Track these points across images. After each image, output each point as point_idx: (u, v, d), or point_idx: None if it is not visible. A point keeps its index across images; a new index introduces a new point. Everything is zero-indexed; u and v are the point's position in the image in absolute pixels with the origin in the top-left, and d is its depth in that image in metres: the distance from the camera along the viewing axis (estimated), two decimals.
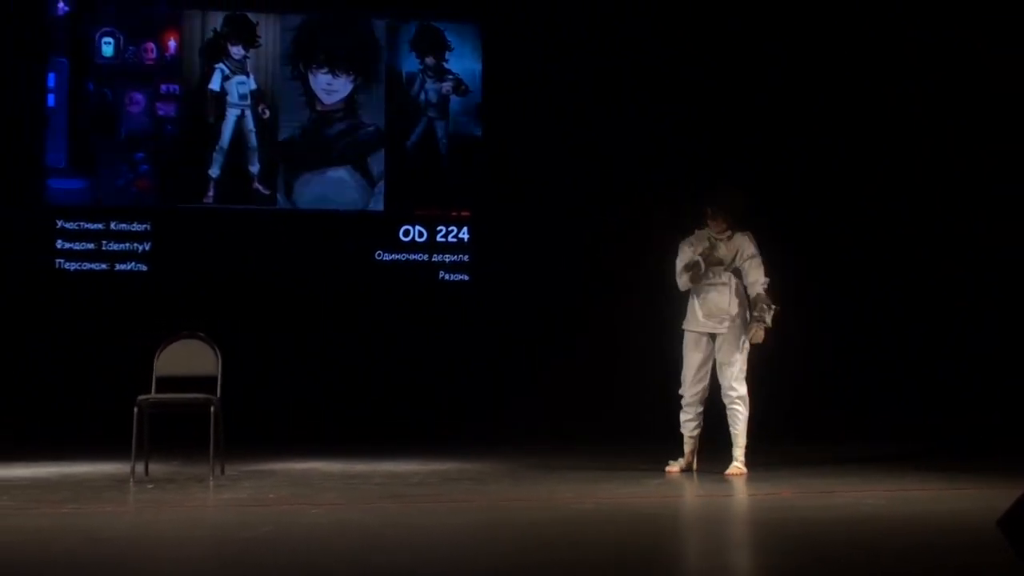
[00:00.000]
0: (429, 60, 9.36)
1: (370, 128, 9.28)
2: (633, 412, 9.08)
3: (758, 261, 6.23)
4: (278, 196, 9.11)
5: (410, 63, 9.35)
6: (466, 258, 9.27)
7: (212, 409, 6.00)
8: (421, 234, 9.21)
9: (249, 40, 9.09)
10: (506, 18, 9.40)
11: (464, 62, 9.40)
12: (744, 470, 6.12)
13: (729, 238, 6.28)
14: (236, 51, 9.06)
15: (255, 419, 8.06)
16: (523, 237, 9.29)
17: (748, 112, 9.42)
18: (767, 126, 9.42)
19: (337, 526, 4.60)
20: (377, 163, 9.26)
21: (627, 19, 9.46)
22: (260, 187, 9.08)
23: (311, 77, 9.19)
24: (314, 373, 8.85)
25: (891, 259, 9.28)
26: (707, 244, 6.29)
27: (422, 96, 9.36)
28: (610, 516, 4.81)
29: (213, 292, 8.83)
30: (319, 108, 9.21)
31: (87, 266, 8.75)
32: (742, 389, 6.19)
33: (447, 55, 9.38)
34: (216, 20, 9.05)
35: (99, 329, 8.60)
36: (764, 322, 6.13)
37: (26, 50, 8.71)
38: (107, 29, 8.88)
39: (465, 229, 9.29)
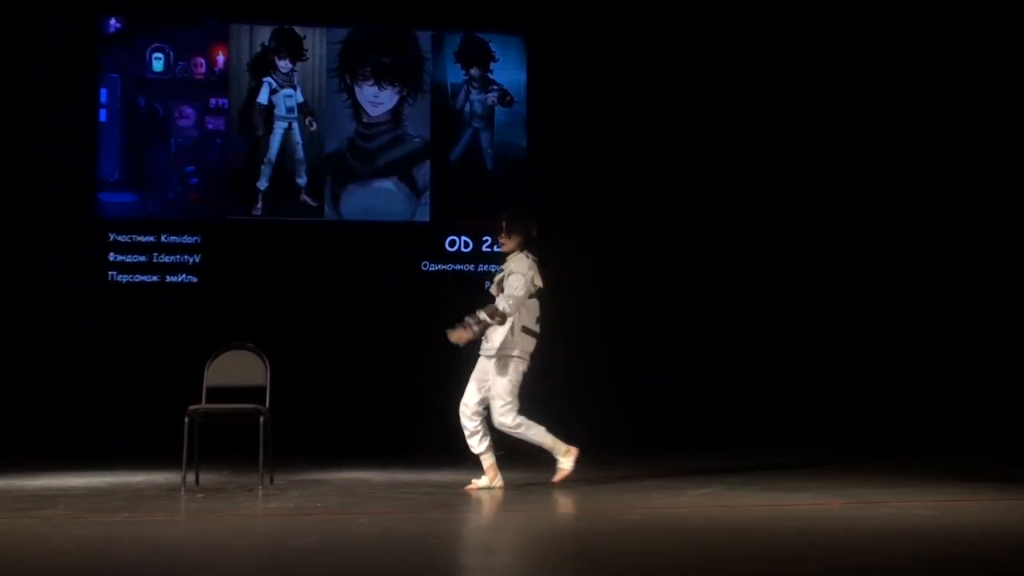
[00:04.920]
0: (474, 71, 9.40)
1: (416, 139, 9.34)
2: (676, 422, 9.06)
3: (515, 279, 5.86)
4: (325, 207, 9.20)
5: (455, 74, 9.40)
6: None
7: (261, 419, 6.06)
8: (467, 244, 9.25)
9: (296, 54, 9.19)
10: (551, 28, 9.43)
11: (509, 73, 9.43)
12: (567, 468, 5.94)
13: (510, 260, 6.04)
14: (283, 65, 9.17)
15: (303, 429, 8.13)
16: (568, 246, 9.29)
17: (795, 126, 9.38)
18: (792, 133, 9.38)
19: (384, 535, 4.63)
20: (423, 174, 9.32)
21: (673, 29, 9.45)
22: (307, 199, 9.17)
23: (357, 89, 9.27)
24: (361, 383, 8.91)
25: (933, 269, 9.18)
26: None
27: (467, 107, 9.41)
28: (655, 527, 4.79)
29: (262, 303, 8.93)
30: (365, 120, 9.29)
31: (138, 278, 8.89)
32: (507, 421, 5.90)
33: (492, 66, 9.43)
34: (264, 34, 9.17)
35: (150, 340, 8.74)
36: (469, 325, 5.80)
37: (79, 66, 8.88)
38: (157, 45, 9.03)
39: None
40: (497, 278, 6.07)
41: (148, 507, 5.35)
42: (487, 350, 6.02)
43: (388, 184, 9.29)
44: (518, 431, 5.98)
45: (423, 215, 9.29)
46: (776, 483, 6.20)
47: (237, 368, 6.36)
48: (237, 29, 9.17)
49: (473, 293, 9.25)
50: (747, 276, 9.37)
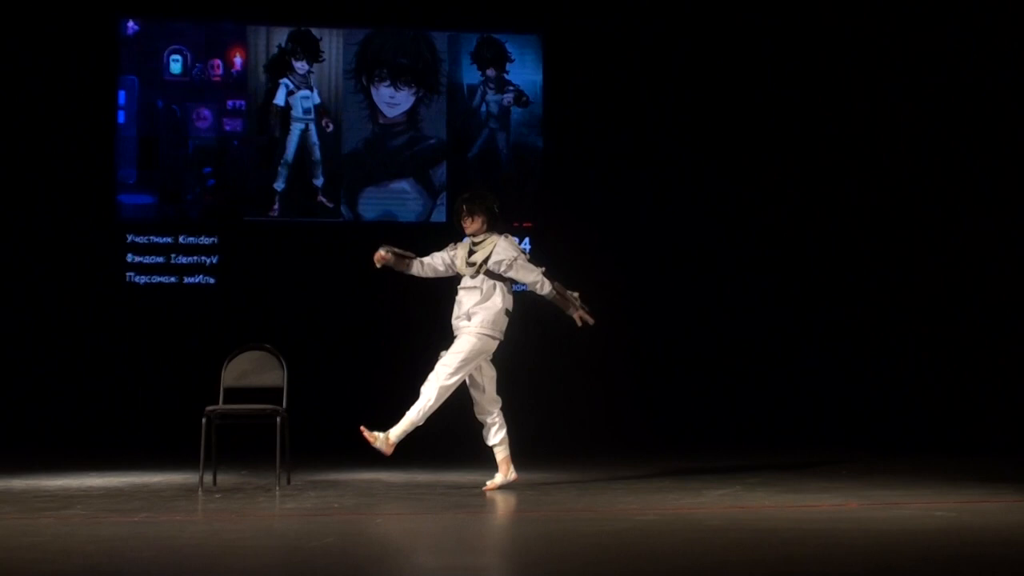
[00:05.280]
0: (490, 72, 9.41)
1: (432, 140, 9.36)
2: (699, 421, 9.05)
3: (522, 262, 5.91)
4: (342, 208, 9.22)
5: (471, 75, 9.41)
6: None
7: (278, 419, 6.08)
8: None
9: (313, 55, 9.22)
10: (567, 29, 9.43)
11: (525, 73, 9.44)
12: (375, 436, 5.78)
13: (483, 240, 5.99)
14: (300, 66, 9.20)
15: (320, 429, 8.15)
16: (584, 247, 9.30)
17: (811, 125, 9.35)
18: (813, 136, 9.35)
19: (401, 536, 4.63)
20: (439, 175, 9.33)
21: (689, 29, 9.43)
22: (324, 200, 9.19)
23: (374, 91, 9.30)
24: (378, 383, 8.91)
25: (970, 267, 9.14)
26: (467, 249, 6.04)
27: (483, 108, 9.42)
28: (673, 527, 4.78)
29: (279, 303, 8.96)
30: (382, 121, 9.31)
31: (156, 279, 8.93)
32: (437, 382, 5.80)
33: (508, 67, 9.44)
34: (280, 36, 9.20)
35: (168, 341, 8.77)
36: (575, 304, 5.90)
37: (97, 69, 8.93)
38: (175, 47, 9.07)
39: (527, 240, 9.31)
40: (474, 258, 5.96)
41: (166, 507, 5.38)
42: (466, 327, 5.92)
43: (404, 185, 9.31)
44: (430, 398, 5.82)
45: (439, 215, 9.30)
46: (793, 484, 6.18)
47: (254, 369, 6.38)
48: (254, 31, 9.20)
49: None
50: (762, 276, 9.35)
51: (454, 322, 6.03)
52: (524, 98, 9.43)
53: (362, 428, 5.85)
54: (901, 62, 9.00)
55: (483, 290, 5.95)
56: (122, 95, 9.02)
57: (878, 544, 4.32)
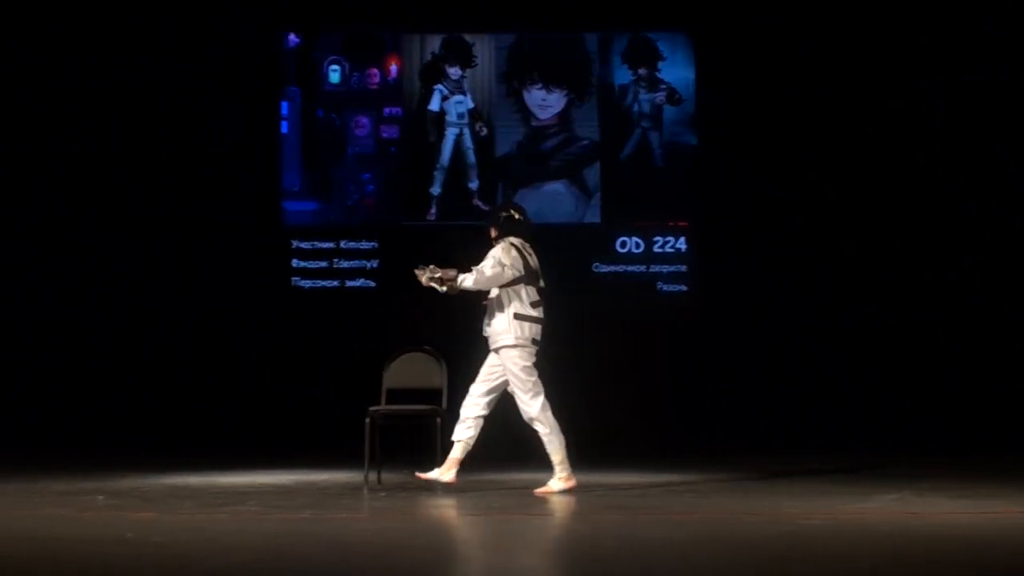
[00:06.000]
0: (641, 71, 9.36)
1: (584, 141, 9.36)
2: (857, 423, 8.79)
3: (487, 258, 5.97)
4: None
5: (622, 75, 9.38)
6: (684, 268, 9.20)
7: (438, 420, 6.19)
8: (638, 245, 9.21)
9: (465, 61, 9.34)
10: (717, 25, 9.30)
11: (677, 71, 9.35)
12: (553, 488, 5.80)
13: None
14: (453, 72, 9.34)
15: (480, 430, 8.24)
16: (741, 246, 9.15)
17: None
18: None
19: (559, 536, 4.65)
20: (592, 175, 9.33)
21: (843, 23, 9.17)
22: (479, 203, 9.31)
23: (526, 94, 9.36)
24: None
25: None
26: None
27: (635, 107, 9.37)
28: (841, 533, 4.66)
29: (437, 306, 9.09)
30: (534, 123, 9.37)
31: (320, 283, 9.21)
32: (531, 411, 5.84)
33: (659, 65, 9.36)
34: (434, 43, 9.36)
35: (332, 343, 9.03)
36: (441, 279, 5.95)
37: (262, 81, 9.27)
38: (334, 57, 9.34)
39: (682, 239, 9.22)
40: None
41: (333, 505, 5.54)
42: (490, 343, 6.04)
43: (558, 186, 9.35)
44: (544, 430, 5.88)
45: (593, 216, 9.30)
46: (966, 489, 5.94)
47: (415, 370, 6.53)
48: (408, 39, 9.39)
49: (645, 293, 9.25)
50: (929, 275, 9.02)
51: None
52: (676, 96, 9.34)
53: (536, 492, 5.88)
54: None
55: (492, 298, 6.04)
56: (285, 106, 9.33)
57: None
